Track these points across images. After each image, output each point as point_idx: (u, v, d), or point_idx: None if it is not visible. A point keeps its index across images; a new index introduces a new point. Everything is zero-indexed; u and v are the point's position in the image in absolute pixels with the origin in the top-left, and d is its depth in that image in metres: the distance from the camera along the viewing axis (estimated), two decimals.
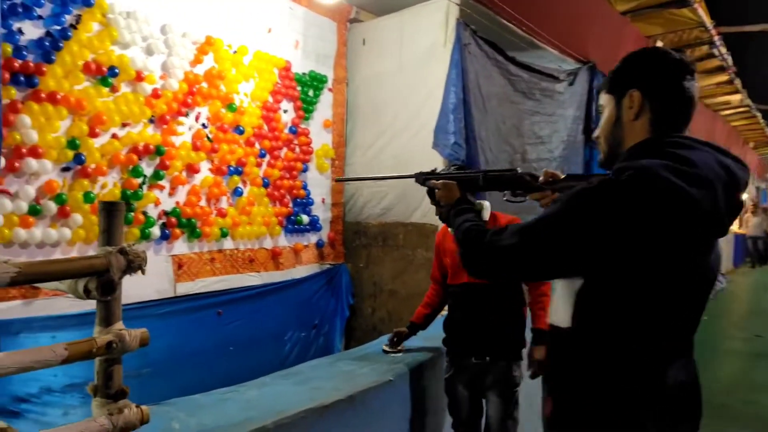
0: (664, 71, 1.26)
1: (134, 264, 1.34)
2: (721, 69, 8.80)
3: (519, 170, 1.73)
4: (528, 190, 1.68)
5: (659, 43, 7.45)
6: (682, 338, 1.26)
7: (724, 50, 8.06)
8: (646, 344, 1.19)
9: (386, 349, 2.71)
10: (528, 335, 2.50)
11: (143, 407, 1.37)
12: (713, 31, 7.40)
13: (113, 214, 1.36)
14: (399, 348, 2.69)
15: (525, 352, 2.49)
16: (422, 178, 1.96)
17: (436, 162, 4.19)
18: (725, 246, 12.39)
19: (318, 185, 4.87)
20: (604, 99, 1.36)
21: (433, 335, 2.74)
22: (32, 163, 2.98)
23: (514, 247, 1.23)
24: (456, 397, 2.50)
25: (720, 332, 7.24)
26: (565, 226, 1.16)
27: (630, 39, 6.96)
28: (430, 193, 1.89)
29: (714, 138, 9.32)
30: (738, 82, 9.58)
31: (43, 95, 3.03)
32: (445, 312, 2.68)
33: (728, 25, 7.76)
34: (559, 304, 1.31)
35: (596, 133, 1.39)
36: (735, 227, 13.88)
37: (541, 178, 1.63)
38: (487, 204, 2.46)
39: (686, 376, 1.26)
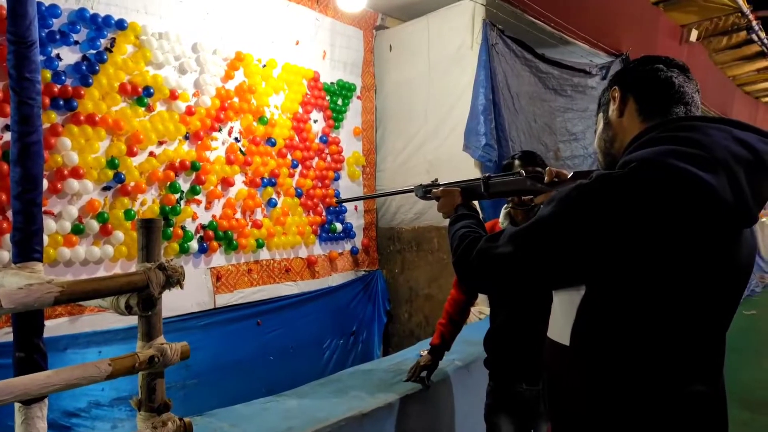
0: (638, 63, 1.23)
1: (173, 279, 1.37)
2: (761, 54, 8.50)
3: (523, 173, 1.55)
4: (535, 194, 1.53)
5: (694, 32, 7.26)
6: (706, 352, 1.07)
7: (763, 35, 7.78)
8: (661, 360, 1.03)
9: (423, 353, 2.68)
10: None
11: (186, 419, 1.39)
12: (751, 16, 7.17)
13: (151, 231, 1.39)
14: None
15: None
16: (421, 190, 1.79)
17: (468, 164, 4.18)
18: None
19: (350, 193, 4.89)
20: (598, 118, 1.30)
21: (471, 339, 2.71)
22: (74, 183, 3.08)
23: (507, 254, 1.10)
24: (499, 429, 2.16)
25: None
26: (561, 228, 1.03)
27: (664, 29, 6.81)
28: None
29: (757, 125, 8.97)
30: None
31: (82, 117, 3.13)
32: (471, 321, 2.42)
33: (766, 9, 7.49)
34: (558, 316, 1.17)
35: (594, 147, 1.31)
36: None
37: (546, 178, 1.48)
38: None
39: (709, 394, 1.07)
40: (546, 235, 1.05)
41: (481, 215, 1.63)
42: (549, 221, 1.05)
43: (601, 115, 1.28)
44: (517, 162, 2.15)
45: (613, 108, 1.22)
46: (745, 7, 6.87)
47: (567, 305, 1.13)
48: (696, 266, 1.00)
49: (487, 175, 1.63)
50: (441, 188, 1.67)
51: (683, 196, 0.94)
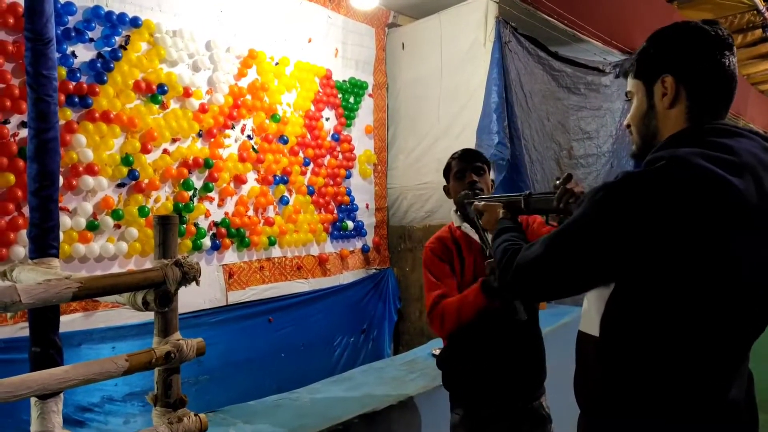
0: (699, 50, 1.10)
1: (189, 275, 1.37)
2: None
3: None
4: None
5: None
6: (733, 351, 1.08)
7: None
8: (685, 356, 1.04)
9: (435, 352, 2.68)
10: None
11: (201, 415, 1.40)
12: (767, 14, 7.08)
13: (168, 228, 1.39)
14: None
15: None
16: (463, 201, 1.84)
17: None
18: None
19: (362, 191, 4.89)
20: (632, 85, 1.21)
21: None
22: (89, 180, 3.10)
23: (540, 258, 1.11)
24: None
25: None
26: (590, 228, 1.04)
27: None
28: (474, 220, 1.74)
29: None
30: None
31: (96, 115, 3.15)
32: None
33: None
34: (591, 311, 1.19)
35: (626, 120, 1.24)
36: None
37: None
38: None
39: (739, 393, 1.09)
40: (577, 235, 1.07)
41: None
42: (579, 222, 1.07)
43: (642, 90, 1.19)
44: (454, 162, 2.02)
45: (664, 97, 1.14)
46: (761, 5, 6.79)
47: (597, 297, 1.16)
48: (724, 264, 1.00)
49: (528, 192, 1.64)
50: (483, 203, 1.70)
51: (708, 196, 0.95)
